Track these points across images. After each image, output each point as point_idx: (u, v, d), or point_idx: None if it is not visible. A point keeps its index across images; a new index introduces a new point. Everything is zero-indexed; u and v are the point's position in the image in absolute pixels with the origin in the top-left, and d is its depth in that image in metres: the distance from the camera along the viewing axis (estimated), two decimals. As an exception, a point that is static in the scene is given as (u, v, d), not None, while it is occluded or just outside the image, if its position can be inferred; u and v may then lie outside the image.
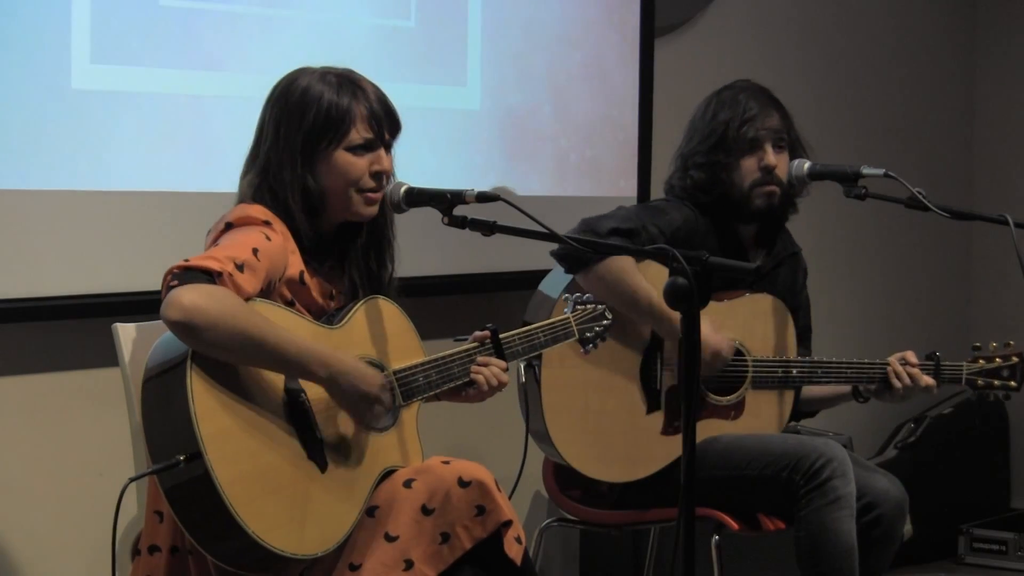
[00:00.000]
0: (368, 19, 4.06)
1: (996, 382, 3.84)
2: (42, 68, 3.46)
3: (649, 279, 3.57)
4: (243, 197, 3.01)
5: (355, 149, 2.99)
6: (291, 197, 2.96)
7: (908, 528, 3.76)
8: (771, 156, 3.71)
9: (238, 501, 2.70)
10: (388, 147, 3.05)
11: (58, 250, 3.53)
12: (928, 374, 3.77)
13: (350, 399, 2.88)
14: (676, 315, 2.64)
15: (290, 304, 2.93)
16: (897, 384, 3.72)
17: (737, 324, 3.72)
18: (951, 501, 5.50)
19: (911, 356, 3.77)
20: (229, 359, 2.76)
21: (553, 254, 3.64)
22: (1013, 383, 3.85)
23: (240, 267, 2.79)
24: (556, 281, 3.67)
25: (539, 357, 3.50)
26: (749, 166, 3.72)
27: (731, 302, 3.73)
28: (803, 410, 3.92)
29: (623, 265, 3.57)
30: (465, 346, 3.10)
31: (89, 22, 3.52)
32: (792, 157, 3.76)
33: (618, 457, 3.65)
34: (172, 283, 2.73)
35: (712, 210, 3.74)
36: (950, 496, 5.50)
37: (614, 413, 3.64)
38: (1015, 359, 3.85)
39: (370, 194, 3.01)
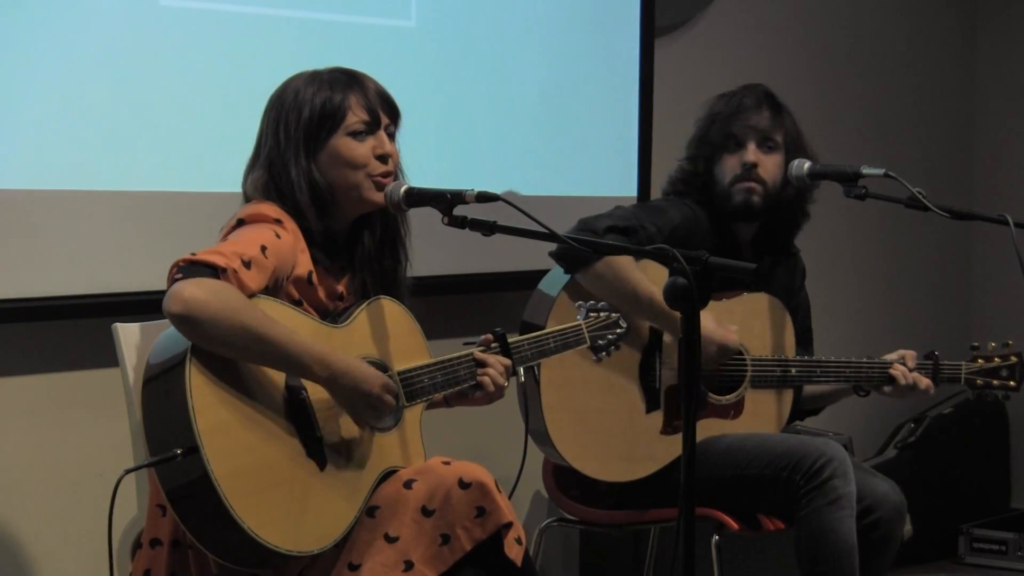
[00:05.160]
0: (368, 19, 4.06)
1: (995, 382, 3.85)
2: (42, 68, 3.46)
3: (647, 278, 3.57)
4: (250, 198, 3.01)
5: (356, 134, 3.00)
6: (299, 193, 2.96)
7: (908, 528, 3.76)
8: (752, 153, 3.70)
9: (234, 495, 2.70)
10: (390, 134, 3.05)
11: (58, 250, 3.53)
12: (927, 373, 3.78)
13: (350, 399, 2.88)
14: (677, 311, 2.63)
15: (297, 303, 2.93)
16: (901, 382, 3.72)
17: (735, 323, 3.71)
18: (951, 501, 5.50)
19: (909, 356, 3.77)
20: (229, 354, 2.76)
21: (552, 254, 3.64)
22: (1012, 383, 3.85)
23: (247, 264, 2.78)
24: (555, 280, 3.66)
25: (539, 358, 3.50)
26: (731, 163, 3.72)
27: (729, 301, 3.73)
28: (806, 408, 3.92)
29: (622, 262, 3.56)
30: (471, 349, 3.10)
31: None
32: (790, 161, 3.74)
33: (617, 456, 3.64)
34: (176, 276, 2.74)
35: (707, 207, 3.74)
36: (950, 496, 5.50)
37: (613, 412, 3.64)
38: (1014, 359, 3.85)
39: (380, 178, 3.01)
